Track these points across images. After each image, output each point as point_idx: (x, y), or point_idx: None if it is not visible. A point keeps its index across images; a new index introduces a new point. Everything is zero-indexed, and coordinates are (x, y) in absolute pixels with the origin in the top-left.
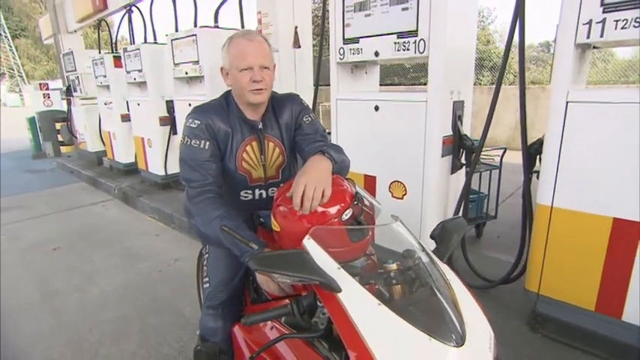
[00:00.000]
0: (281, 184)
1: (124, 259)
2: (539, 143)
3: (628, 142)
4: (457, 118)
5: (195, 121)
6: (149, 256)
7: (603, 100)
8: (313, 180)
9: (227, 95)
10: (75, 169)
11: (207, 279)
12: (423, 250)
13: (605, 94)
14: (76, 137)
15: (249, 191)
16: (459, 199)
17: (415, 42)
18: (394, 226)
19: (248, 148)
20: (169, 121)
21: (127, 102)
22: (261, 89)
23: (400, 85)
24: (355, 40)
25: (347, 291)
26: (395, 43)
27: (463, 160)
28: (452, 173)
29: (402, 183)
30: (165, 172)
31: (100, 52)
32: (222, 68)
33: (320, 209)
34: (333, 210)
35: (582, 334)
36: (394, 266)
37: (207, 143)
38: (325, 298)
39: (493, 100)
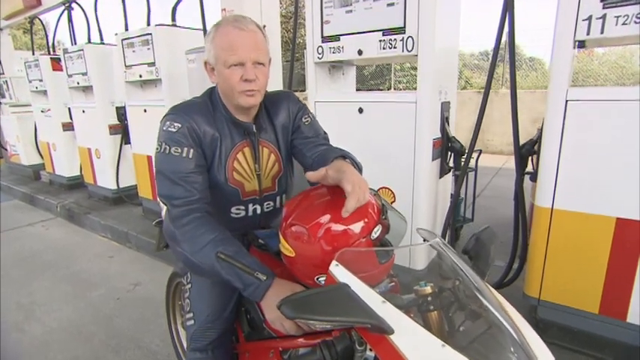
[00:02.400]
0: (277, 197)
1: (72, 287)
2: (531, 144)
3: (630, 140)
4: (445, 120)
5: (175, 124)
6: (103, 281)
7: (604, 98)
8: (354, 176)
9: (211, 93)
10: (5, 185)
11: (190, 314)
12: (468, 268)
13: (606, 92)
14: (6, 149)
15: (242, 207)
16: (450, 204)
17: (403, 39)
18: (434, 244)
19: (239, 155)
20: (121, 129)
21: (70, 109)
22: (253, 90)
23: (358, 91)
24: (335, 38)
25: (401, 332)
26: (380, 40)
27: (451, 164)
28: (440, 177)
29: (390, 189)
30: (117, 185)
31: (33, 54)
32: (205, 62)
33: (341, 227)
34: (359, 228)
35: (587, 338)
36: (428, 289)
37: (191, 151)
38: (373, 342)
39: (482, 104)
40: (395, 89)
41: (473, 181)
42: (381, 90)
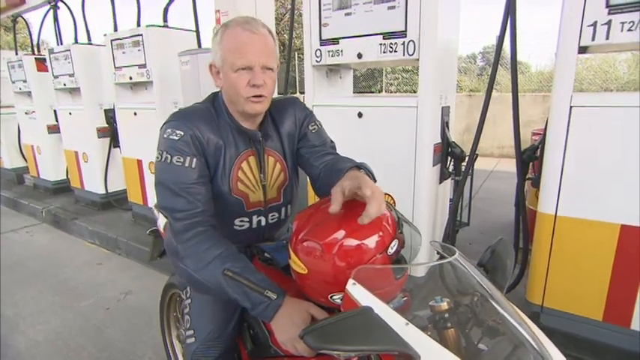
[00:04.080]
0: (282, 208)
1: (59, 297)
2: (532, 150)
3: (635, 146)
4: (445, 125)
5: (177, 132)
6: (92, 290)
7: (609, 104)
8: (372, 183)
9: (214, 99)
10: None
11: (191, 332)
12: (490, 284)
13: (611, 98)
14: None
15: (246, 218)
16: (450, 210)
17: (404, 43)
18: (454, 261)
19: (244, 165)
20: (109, 132)
21: (55, 111)
22: (261, 96)
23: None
24: (334, 41)
25: (428, 357)
26: (380, 44)
27: (450, 169)
28: (440, 183)
29: (390, 195)
30: (106, 189)
31: (17, 54)
32: (211, 65)
33: (357, 243)
34: (376, 243)
35: (590, 345)
36: (444, 305)
37: (194, 160)
38: None
39: (484, 109)
40: (386, 91)
41: (469, 185)
42: (373, 92)
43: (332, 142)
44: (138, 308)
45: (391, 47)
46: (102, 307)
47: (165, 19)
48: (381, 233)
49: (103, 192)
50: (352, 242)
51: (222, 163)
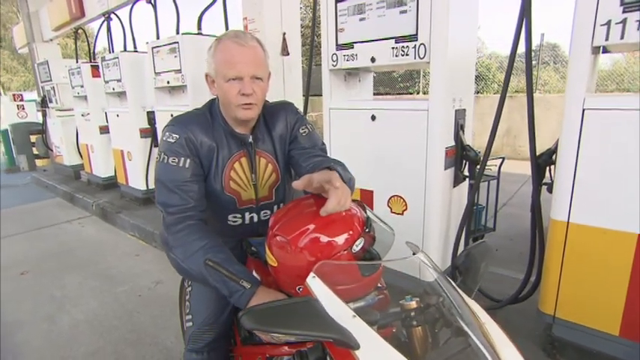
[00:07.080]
0: (274, 206)
1: (100, 282)
2: (549, 154)
3: None
4: (459, 128)
5: (173, 135)
6: (128, 278)
7: (624, 107)
8: (338, 181)
9: (211, 105)
10: (50, 184)
11: (189, 316)
12: (450, 285)
13: (626, 101)
14: (52, 150)
15: (238, 215)
16: (463, 214)
17: (415, 47)
18: (416, 259)
19: (236, 165)
20: (150, 132)
21: (106, 113)
22: (250, 104)
23: (387, 94)
24: (349, 46)
25: (367, 348)
26: (393, 48)
27: (466, 172)
28: (454, 186)
29: (402, 197)
30: (147, 186)
31: (77, 62)
32: (207, 75)
33: (322, 239)
34: (340, 240)
35: None
36: (413, 304)
37: (188, 161)
38: (338, 356)
39: (498, 110)
40: (424, 93)
41: (495, 190)
42: (411, 93)
43: (323, 144)
44: (166, 297)
45: (403, 51)
46: (135, 294)
47: (199, 27)
48: (351, 232)
49: (145, 188)
50: (316, 238)
51: (215, 163)
